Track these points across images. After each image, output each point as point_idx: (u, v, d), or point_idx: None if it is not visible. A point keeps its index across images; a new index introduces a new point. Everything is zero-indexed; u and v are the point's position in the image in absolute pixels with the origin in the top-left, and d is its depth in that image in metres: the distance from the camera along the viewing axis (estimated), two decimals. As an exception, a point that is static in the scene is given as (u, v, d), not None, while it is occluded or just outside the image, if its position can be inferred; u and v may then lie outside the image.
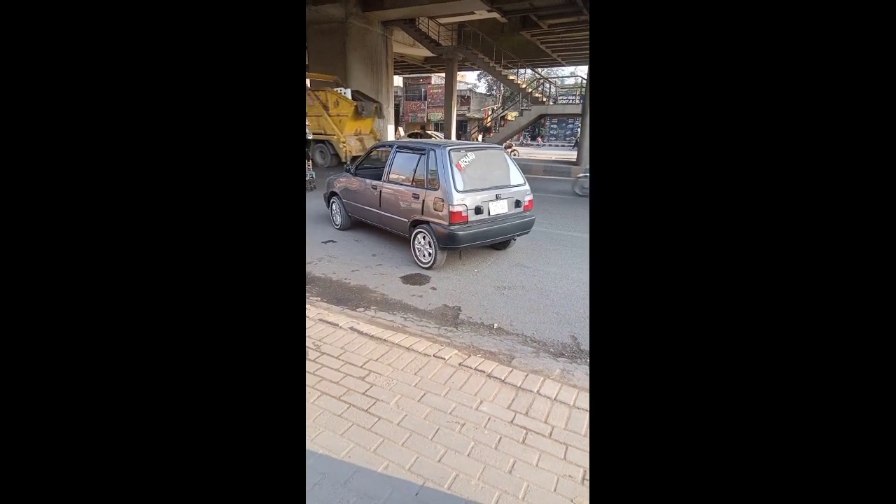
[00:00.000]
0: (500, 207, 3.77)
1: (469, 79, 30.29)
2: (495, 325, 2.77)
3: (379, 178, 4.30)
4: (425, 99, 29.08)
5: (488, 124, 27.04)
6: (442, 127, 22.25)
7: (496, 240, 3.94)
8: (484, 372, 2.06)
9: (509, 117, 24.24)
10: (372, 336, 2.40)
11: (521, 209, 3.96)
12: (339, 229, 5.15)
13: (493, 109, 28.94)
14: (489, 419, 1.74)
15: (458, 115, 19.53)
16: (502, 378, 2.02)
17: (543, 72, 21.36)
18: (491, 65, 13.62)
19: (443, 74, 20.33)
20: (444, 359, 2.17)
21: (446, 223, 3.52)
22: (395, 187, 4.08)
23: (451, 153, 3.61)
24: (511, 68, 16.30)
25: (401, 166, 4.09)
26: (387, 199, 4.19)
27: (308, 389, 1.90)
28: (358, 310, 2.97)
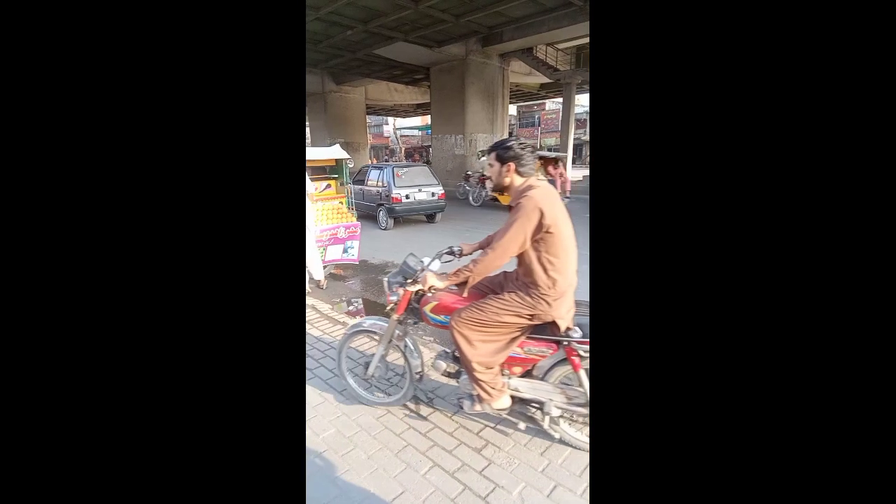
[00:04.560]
0: (421, 196, 7.61)
1: (586, 101, 29.13)
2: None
3: (363, 183, 8.25)
4: (538, 125, 28.81)
5: (607, 147, 25.44)
6: (555, 151, 21.59)
7: (419, 213, 7.85)
8: (631, 466, 1.61)
9: (632, 138, 22.39)
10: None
11: (435, 198, 7.80)
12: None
13: (612, 131, 27.15)
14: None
15: (574, 139, 18.69)
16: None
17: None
18: (613, 85, 12.78)
19: (557, 99, 19.84)
20: (576, 438, 1.78)
21: (389, 203, 7.37)
22: (370, 187, 8.01)
23: (395, 169, 7.68)
24: (636, 86, 15.02)
25: (373, 176, 8.06)
26: (367, 194, 8.08)
27: (420, 457, 1.71)
28: (472, 356, 2.74)
